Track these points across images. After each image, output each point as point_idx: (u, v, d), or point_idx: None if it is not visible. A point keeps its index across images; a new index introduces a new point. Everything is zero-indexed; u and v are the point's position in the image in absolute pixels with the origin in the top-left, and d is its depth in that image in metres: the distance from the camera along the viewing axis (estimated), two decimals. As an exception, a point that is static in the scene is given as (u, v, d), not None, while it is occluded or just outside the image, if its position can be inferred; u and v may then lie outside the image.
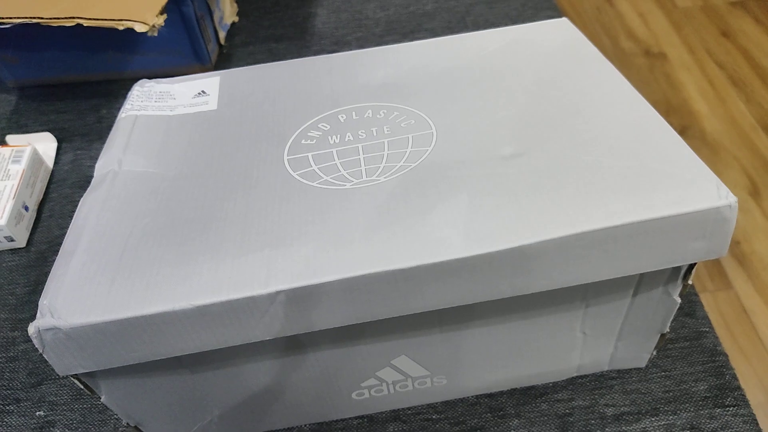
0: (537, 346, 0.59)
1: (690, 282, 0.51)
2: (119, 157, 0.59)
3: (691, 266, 0.50)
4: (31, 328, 0.44)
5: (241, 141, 0.60)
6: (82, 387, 0.51)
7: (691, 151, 0.48)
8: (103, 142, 0.96)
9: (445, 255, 0.45)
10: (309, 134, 0.59)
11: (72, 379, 0.50)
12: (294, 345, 0.53)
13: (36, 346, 0.45)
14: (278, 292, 0.45)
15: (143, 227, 0.51)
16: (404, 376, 0.59)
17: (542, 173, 0.50)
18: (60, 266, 0.49)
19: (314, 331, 0.50)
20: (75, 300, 0.46)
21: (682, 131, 0.95)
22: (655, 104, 0.97)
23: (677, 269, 0.50)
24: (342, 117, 0.60)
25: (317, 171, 0.54)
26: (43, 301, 0.46)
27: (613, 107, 0.55)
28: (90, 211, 0.54)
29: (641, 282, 0.52)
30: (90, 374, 0.50)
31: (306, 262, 0.46)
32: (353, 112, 0.61)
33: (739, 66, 1.05)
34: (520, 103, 0.58)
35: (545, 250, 0.45)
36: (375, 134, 0.57)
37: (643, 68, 1.05)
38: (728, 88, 1.01)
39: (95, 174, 0.58)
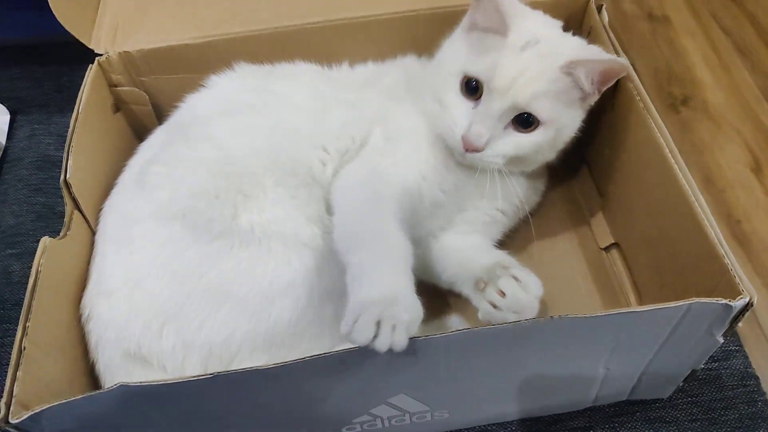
0: (552, 383, 0.52)
1: (740, 324, 0.44)
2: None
3: (746, 308, 0.42)
4: None
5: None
6: None
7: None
8: (65, 116, 0.85)
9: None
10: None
11: None
12: (282, 380, 0.45)
13: None
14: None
15: None
16: (401, 412, 0.52)
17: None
18: None
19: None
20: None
21: (684, 101, 0.88)
22: (657, 72, 0.91)
23: (728, 309, 0.43)
24: None
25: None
26: None
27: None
28: None
29: (684, 318, 0.44)
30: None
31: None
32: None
33: (746, 33, 0.99)
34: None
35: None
36: None
37: (645, 33, 0.98)
38: (733, 56, 0.94)
39: None
